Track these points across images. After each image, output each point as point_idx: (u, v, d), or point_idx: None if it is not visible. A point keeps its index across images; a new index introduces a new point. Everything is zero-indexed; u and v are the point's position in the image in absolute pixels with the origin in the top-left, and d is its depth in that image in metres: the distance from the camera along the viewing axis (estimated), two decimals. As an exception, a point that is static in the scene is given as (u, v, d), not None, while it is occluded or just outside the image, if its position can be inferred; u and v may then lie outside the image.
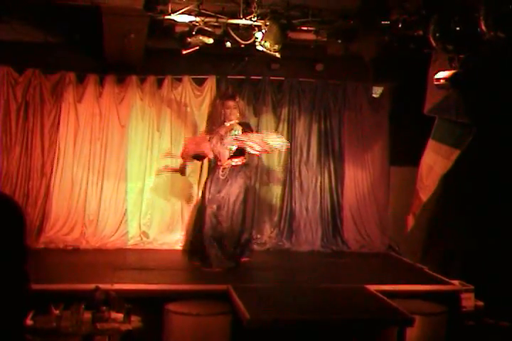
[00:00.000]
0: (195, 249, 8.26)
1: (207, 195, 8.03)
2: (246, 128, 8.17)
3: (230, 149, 8.02)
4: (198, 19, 7.16)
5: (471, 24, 5.54)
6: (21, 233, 2.01)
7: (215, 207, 7.93)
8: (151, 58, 8.75)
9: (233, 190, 7.98)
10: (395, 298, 6.45)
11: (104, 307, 5.64)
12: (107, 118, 9.23)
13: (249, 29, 7.27)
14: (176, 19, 7.14)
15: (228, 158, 8.04)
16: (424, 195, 8.50)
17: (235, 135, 7.97)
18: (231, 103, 8.17)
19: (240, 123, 8.17)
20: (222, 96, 8.27)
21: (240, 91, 9.41)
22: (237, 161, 8.08)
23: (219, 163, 8.12)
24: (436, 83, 7.11)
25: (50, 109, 9.07)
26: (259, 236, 9.36)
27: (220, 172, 8.05)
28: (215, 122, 8.19)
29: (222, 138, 8.05)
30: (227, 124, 8.11)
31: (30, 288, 2.05)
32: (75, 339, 5.45)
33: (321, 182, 9.62)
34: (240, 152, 8.04)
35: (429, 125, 8.30)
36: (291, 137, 9.55)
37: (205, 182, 8.29)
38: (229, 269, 7.71)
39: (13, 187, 8.86)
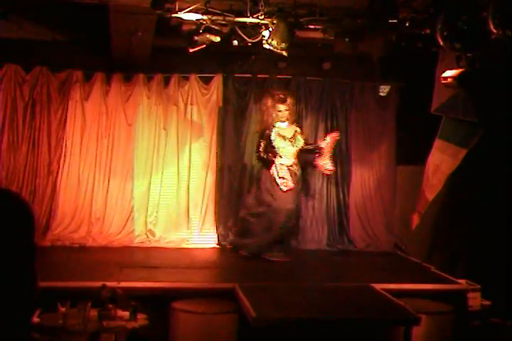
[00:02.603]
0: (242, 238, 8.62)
1: (272, 192, 8.24)
2: (300, 130, 8.62)
3: (296, 149, 8.35)
4: (205, 17, 7.15)
5: (478, 23, 5.52)
6: (30, 231, 2.01)
7: (276, 204, 8.19)
8: (158, 56, 8.76)
9: (296, 189, 8.34)
10: (401, 297, 6.44)
11: (111, 305, 5.65)
12: (114, 116, 9.24)
13: (257, 27, 7.25)
14: (183, 17, 7.13)
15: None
16: (430, 194, 8.50)
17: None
18: (282, 106, 8.38)
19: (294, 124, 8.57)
20: (274, 98, 8.41)
21: (246, 89, 9.44)
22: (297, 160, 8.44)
23: (282, 163, 8.27)
24: (443, 82, 7.10)
25: (57, 107, 9.09)
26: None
27: (285, 172, 8.24)
28: (266, 123, 8.44)
29: (285, 139, 8.31)
30: (284, 126, 8.39)
31: (39, 286, 2.05)
32: (81, 337, 5.45)
33: (327, 181, 9.61)
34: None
35: (436, 124, 8.30)
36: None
37: (264, 180, 8.39)
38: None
39: (19, 185, 8.89)
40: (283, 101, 8.41)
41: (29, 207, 2.05)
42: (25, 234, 2.00)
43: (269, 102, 8.41)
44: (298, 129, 8.56)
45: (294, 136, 8.42)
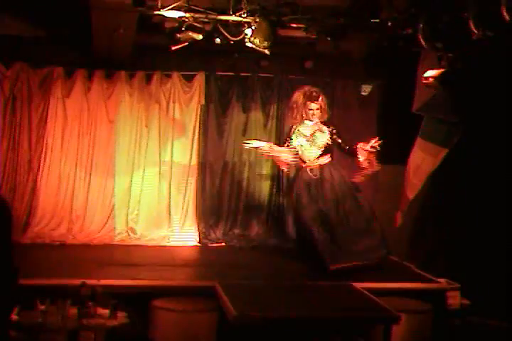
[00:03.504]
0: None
1: (304, 199, 7.79)
2: (333, 126, 8.02)
3: (318, 149, 7.88)
4: (187, 15, 7.13)
5: (459, 23, 5.56)
6: (8, 228, 2.00)
7: (318, 208, 7.73)
8: (140, 54, 8.74)
9: (337, 187, 7.84)
10: (381, 295, 6.45)
11: (90, 303, 5.61)
12: (95, 113, 9.21)
13: (239, 25, 7.25)
14: (165, 15, 7.11)
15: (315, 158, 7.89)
16: (411, 193, 8.53)
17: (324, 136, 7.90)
18: (314, 105, 7.89)
19: (324, 123, 7.99)
20: (305, 95, 7.89)
21: (228, 87, 9.44)
22: (324, 159, 7.90)
23: (304, 165, 7.88)
24: (424, 82, 7.13)
25: (37, 104, 9.04)
26: (246, 233, 9.38)
27: (310, 173, 7.83)
28: (294, 121, 7.95)
29: (308, 140, 7.89)
30: (310, 124, 7.91)
31: (17, 283, 2.04)
32: (60, 335, 5.43)
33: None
34: (326, 150, 7.91)
35: (417, 123, 8.32)
36: (279, 134, 9.56)
37: (292, 187, 8.04)
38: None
39: (-1, 182, 8.84)
40: (315, 99, 7.87)
41: (8, 204, 2.04)
42: (2, 231, 1.98)
43: (300, 99, 7.89)
44: (324, 127, 7.92)
45: (312, 134, 7.89)
